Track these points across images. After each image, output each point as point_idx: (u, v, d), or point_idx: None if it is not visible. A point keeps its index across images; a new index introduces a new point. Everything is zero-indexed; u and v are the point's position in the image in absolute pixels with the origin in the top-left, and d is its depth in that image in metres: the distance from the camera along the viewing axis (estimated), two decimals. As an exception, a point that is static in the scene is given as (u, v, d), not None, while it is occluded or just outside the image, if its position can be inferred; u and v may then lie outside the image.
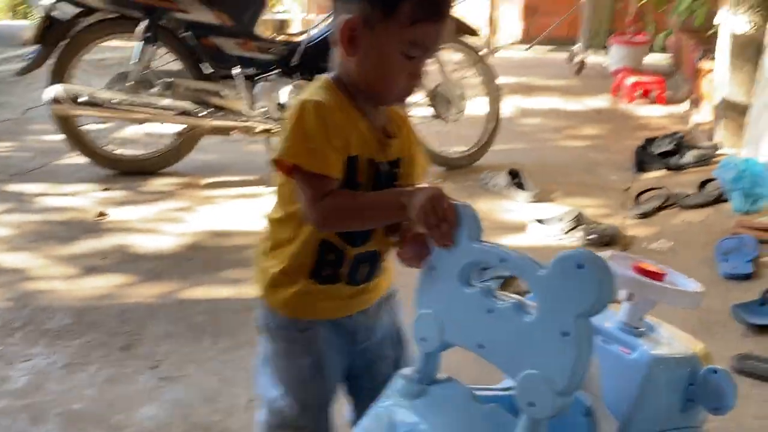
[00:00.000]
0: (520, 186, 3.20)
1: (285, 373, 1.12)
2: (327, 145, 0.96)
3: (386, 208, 0.99)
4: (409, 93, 1.04)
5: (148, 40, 2.97)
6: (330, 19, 3.19)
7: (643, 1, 5.83)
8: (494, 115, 3.55)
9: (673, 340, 1.11)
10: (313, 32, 3.14)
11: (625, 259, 1.14)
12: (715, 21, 3.99)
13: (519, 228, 2.82)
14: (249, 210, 2.91)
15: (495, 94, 3.54)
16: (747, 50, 3.61)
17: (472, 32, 3.54)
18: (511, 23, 7.65)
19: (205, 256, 2.51)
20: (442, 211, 0.91)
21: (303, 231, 1.04)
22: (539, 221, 2.79)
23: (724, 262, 2.42)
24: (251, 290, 2.26)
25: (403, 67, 0.98)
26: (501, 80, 3.66)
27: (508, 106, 4.42)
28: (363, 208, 1.01)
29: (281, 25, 7.03)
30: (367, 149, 1.02)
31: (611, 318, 1.11)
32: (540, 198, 3.12)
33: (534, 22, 7.47)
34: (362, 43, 0.97)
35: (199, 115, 3.06)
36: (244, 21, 3.04)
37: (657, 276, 1.09)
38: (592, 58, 6.20)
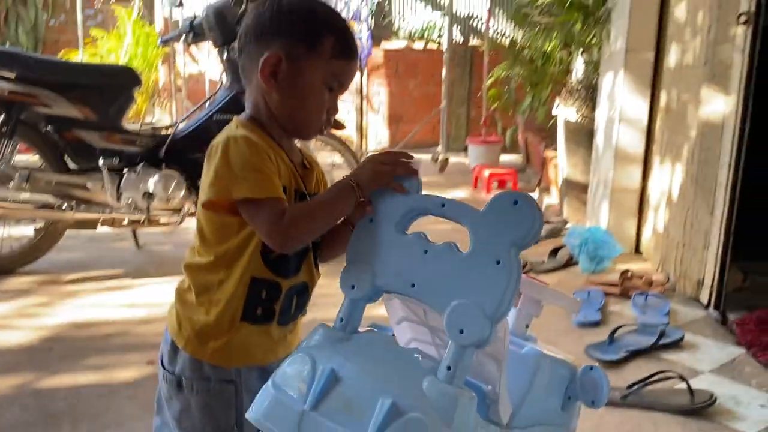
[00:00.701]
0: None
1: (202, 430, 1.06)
2: (268, 168, 0.98)
3: (340, 197, 1.00)
4: (327, 126, 1.08)
5: (5, 135, 2.91)
6: (200, 111, 3.29)
7: (493, 107, 6.44)
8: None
9: (552, 351, 1.19)
10: (182, 125, 3.20)
11: None
12: (554, 112, 4.49)
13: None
14: (115, 301, 2.81)
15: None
16: (579, 136, 4.07)
17: (339, 125, 3.76)
18: (379, 130, 8.13)
19: (66, 347, 2.38)
20: (391, 156, 1.00)
21: (235, 271, 1.02)
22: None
23: (576, 312, 2.62)
24: (117, 374, 2.18)
25: (324, 99, 1.04)
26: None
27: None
28: (320, 208, 1.01)
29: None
30: (294, 181, 1.05)
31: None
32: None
33: (399, 129, 8.00)
34: (284, 77, 1.02)
35: (62, 208, 2.99)
36: (110, 114, 3.05)
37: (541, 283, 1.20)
38: (454, 158, 6.68)
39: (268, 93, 1.04)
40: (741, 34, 2.46)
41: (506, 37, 7.02)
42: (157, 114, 6.94)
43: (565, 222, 3.97)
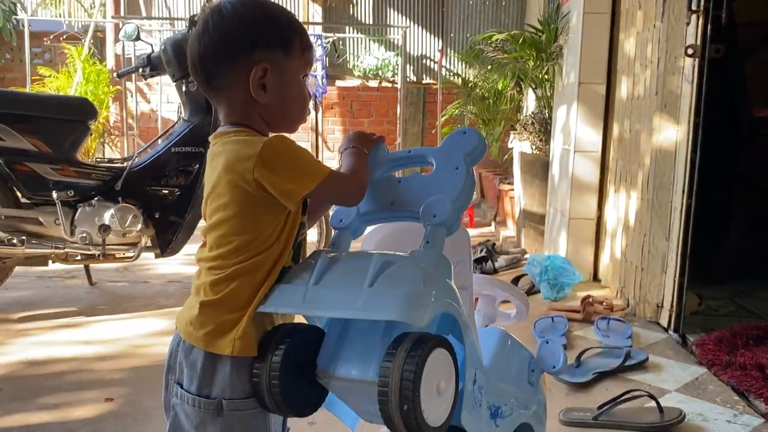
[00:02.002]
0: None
1: None
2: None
3: (362, 157, 1.15)
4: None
5: (-50, 168, 2.80)
6: (155, 146, 3.24)
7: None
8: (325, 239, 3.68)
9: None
10: (137, 159, 3.14)
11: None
12: (509, 146, 4.59)
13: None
14: (69, 338, 2.69)
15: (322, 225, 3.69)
16: (535, 168, 4.17)
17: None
18: (334, 167, 8.14)
19: (18, 385, 2.25)
20: (365, 131, 1.22)
21: (279, 261, 1.04)
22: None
23: (542, 338, 2.64)
24: (74, 412, 2.08)
25: (305, 89, 1.12)
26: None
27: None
28: (361, 167, 1.13)
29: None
30: None
31: None
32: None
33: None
34: (272, 85, 1.06)
35: (12, 243, 2.87)
36: (63, 147, 2.97)
37: None
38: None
39: (255, 102, 1.06)
40: (689, 65, 2.58)
41: (458, 76, 7.18)
42: (108, 152, 6.81)
43: (524, 252, 4.02)
